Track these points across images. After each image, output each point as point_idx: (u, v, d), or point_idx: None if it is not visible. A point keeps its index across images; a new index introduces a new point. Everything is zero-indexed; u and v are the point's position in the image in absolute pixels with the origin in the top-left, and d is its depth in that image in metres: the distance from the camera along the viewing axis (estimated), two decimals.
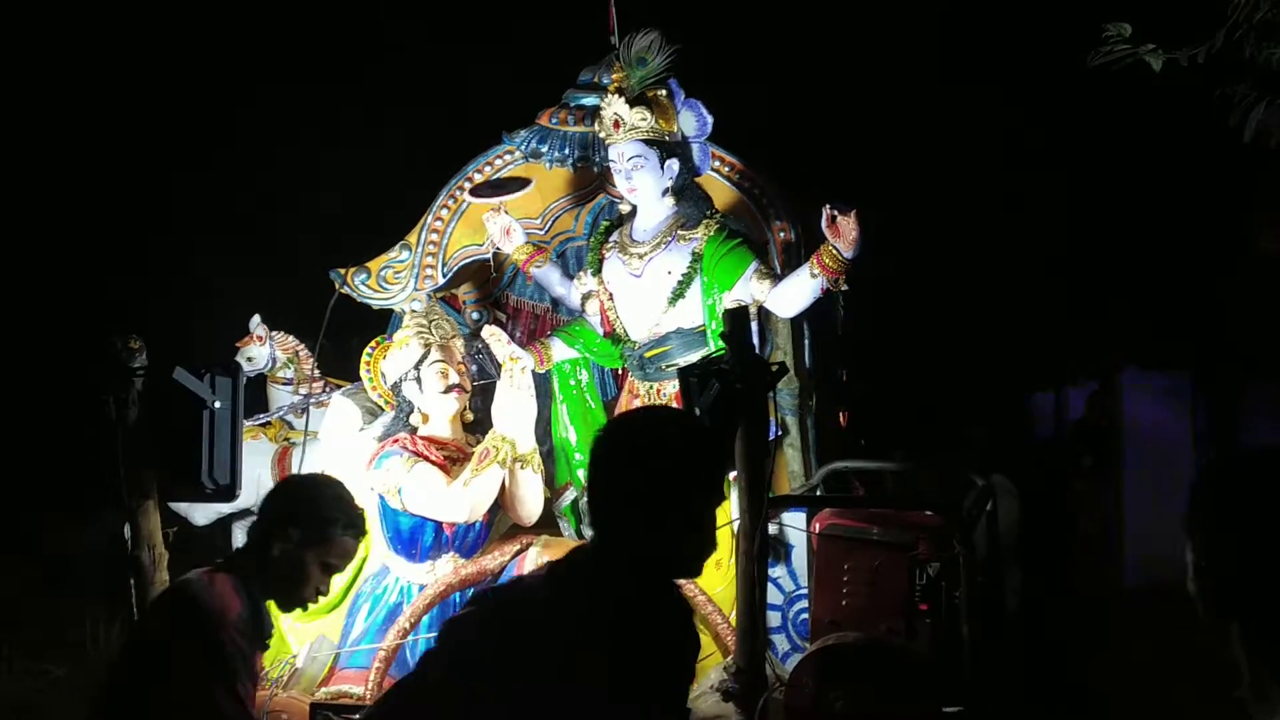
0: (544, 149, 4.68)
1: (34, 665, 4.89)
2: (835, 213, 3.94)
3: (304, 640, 4.16)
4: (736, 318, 3.31)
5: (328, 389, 6.30)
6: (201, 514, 6.53)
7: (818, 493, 4.12)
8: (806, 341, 4.52)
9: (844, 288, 4.09)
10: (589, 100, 4.67)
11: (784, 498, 4.07)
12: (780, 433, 4.31)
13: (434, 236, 4.74)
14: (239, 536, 6.90)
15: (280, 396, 6.93)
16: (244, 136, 7.44)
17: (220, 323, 7.04)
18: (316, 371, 6.65)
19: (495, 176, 4.76)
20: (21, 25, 7.06)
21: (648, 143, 4.26)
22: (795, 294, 4.16)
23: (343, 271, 4.67)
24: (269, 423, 6.71)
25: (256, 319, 6.91)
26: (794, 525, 4.20)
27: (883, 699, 3.24)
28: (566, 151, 4.66)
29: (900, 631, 3.38)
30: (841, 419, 4.81)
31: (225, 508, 6.44)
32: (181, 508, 6.45)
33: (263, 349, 6.86)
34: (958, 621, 3.32)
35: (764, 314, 4.32)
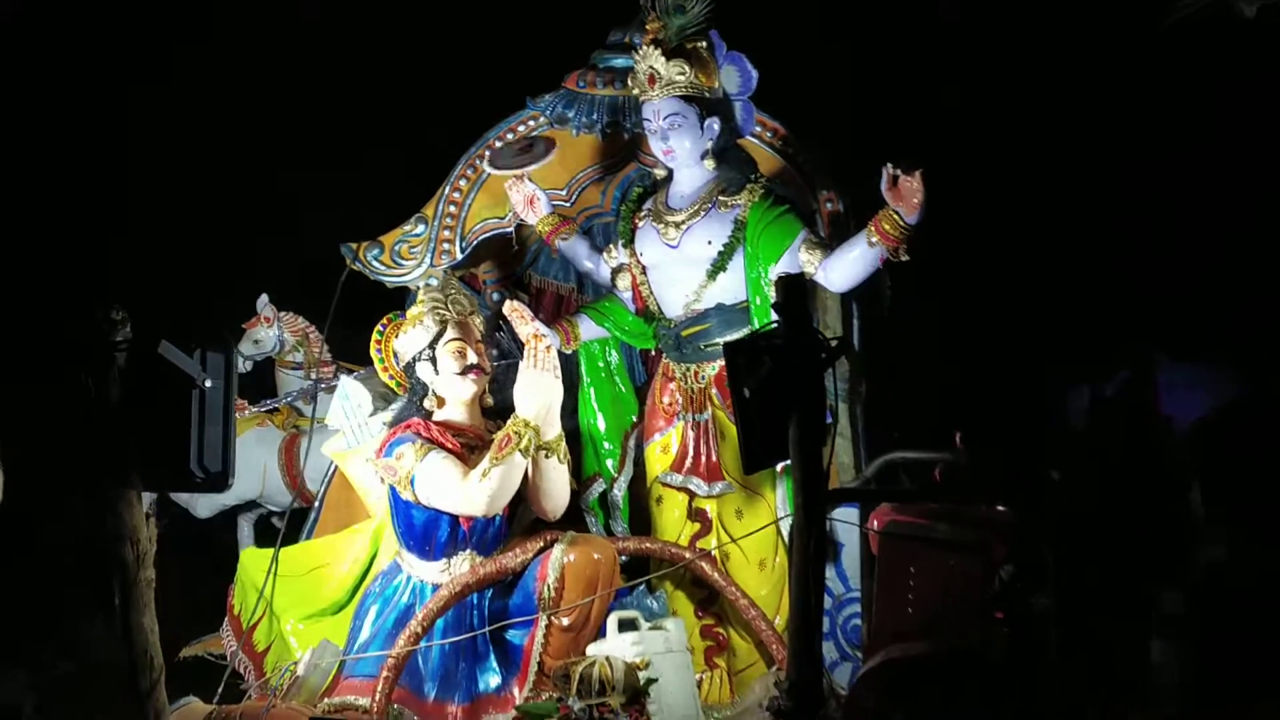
0: (570, 114, 4.49)
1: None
2: (897, 173, 3.68)
3: (307, 644, 3.93)
4: (791, 286, 3.03)
5: (339, 373, 6.17)
6: (204, 505, 6.44)
7: (872, 486, 3.85)
8: (855, 322, 4.30)
9: (904, 258, 3.82)
10: (619, 62, 4.48)
11: (839, 491, 3.85)
12: (831, 420, 4.05)
13: (452, 209, 4.55)
14: (244, 529, 6.74)
15: (289, 381, 6.88)
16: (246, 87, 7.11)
17: (221, 300, 6.82)
18: (327, 354, 6.53)
19: (516, 142, 4.54)
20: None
21: (686, 99, 4.01)
22: (850, 265, 3.91)
23: (354, 246, 4.49)
24: (277, 409, 6.66)
25: (264, 299, 6.83)
26: (845, 521, 4.02)
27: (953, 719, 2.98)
28: (594, 116, 4.46)
29: (974, 642, 3.09)
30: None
31: (226, 498, 6.35)
32: (183, 498, 6.40)
33: (270, 331, 6.81)
34: (1038, 631, 3.03)
35: (811, 289, 4.06)
